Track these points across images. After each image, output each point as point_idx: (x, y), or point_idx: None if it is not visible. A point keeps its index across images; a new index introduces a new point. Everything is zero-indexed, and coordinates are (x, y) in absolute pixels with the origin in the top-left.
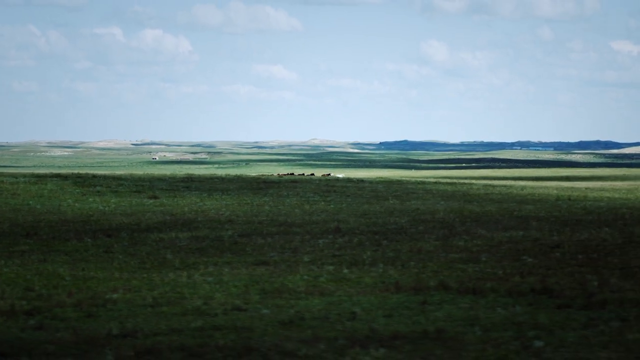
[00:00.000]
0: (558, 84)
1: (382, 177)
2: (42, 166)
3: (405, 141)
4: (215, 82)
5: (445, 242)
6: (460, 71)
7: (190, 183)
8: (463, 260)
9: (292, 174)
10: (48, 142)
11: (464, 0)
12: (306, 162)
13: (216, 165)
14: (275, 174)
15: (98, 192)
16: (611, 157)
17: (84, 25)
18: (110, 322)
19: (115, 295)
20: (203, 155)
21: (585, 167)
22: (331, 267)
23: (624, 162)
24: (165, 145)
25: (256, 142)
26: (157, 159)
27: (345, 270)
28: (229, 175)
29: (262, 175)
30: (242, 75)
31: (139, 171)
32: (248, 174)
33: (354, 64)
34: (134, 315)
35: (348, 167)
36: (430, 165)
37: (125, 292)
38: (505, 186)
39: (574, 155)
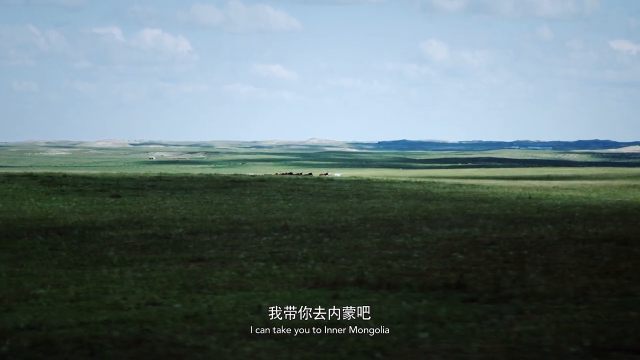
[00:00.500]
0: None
1: (356, 177)
2: (38, 166)
3: (404, 141)
4: (215, 82)
5: (385, 239)
6: (460, 71)
7: (157, 182)
8: (394, 257)
9: (291, 173)
10: (47, 142)
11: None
12: (302, 161)
13: (212, 165)
14: (274, 174)
15: (63, 191)
16: (609, 156)
17: (84, 25)
18: (24, 316)
19: (41, 291)
20: (200, 155)
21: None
22: (262, 264)
23: (620, 161)
24: (164, 145)
25: (255, 142)
26: (154, 158)
27: (275, 267)
28: (202, 174)
29: (237, 175)
30: (242, 75)
31: (131, 171)
32: (243, 173)
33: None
34: (50, 309)
35: (344, 167)
36: (426, 164)
37: (52, 287)
38: (472, 185)
39: (571, 155)
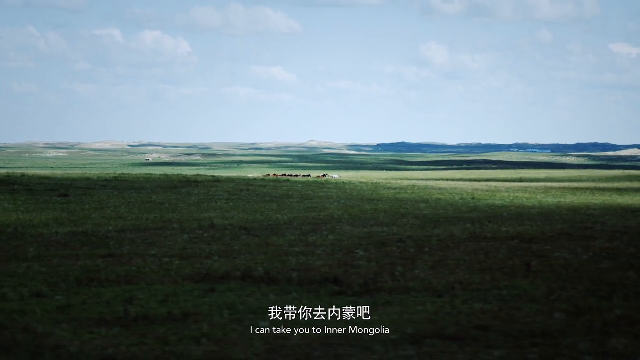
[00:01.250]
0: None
1: (315, 179)
2: (33, 167)
3: (403, 143)
4: (215, 84)
5: (301, 237)
6: (459, 73)
7: (111, 183)
8: (297, 254)
9: (291, 175)
10: (46, 144)
11: (463, 3)
12: (298, 163)
13: (207, 167)
14: (271, 175)
15: (14, 190)
16: (605, 159)
17: (84, 27)
18: None
19: None
20: (197, 157)
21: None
22: (167, 259)
23: (614, 164)
24: (162, 146)
25: (254, 144)
26: (151, 160)
27: (177, 262)
28: (165, 174)
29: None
30: (242, 77)
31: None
32: (237, 175)
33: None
34: None
35: (339, 169)
36: (421, 167)
37: None
38: (427, 187)
39: (568, 158)
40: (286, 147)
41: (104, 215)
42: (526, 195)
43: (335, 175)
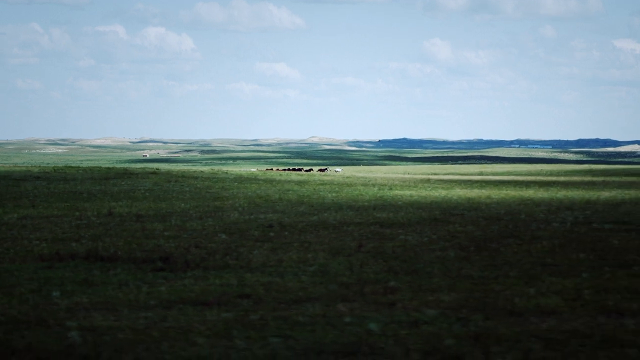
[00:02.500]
0: (561, 82)
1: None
2: (28, 163)
3: (405, 139)
4: (219, 80)
5: (182, 224)
6: (463, 69)
7: (47, 174)
8: (161, 237)
9: (293, 169)
10: (48, 140)
11: None
12: (294, 159)
13: (203, 162)
14: (274, 170)
15: None
16: (603, 155)
17: (87, 23)
18: None
19: None
20: (194, 153)
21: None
22: (37, 242)
23: (612, 160)
24: (163, 143)
25: (255, 140)
26: (148, 156)
27: (44, 245)
28: (115, 168)
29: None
30: (246, 73)
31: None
32: (231, 170)
33: (357, 62)
34: None
35: (335, 165)
36: (416, 162)
37: None
38: (352, 179)
39: (566, 154)
40: (287, 143)
41: (18, 204)
42: (443, 187)
43: (338, 169)
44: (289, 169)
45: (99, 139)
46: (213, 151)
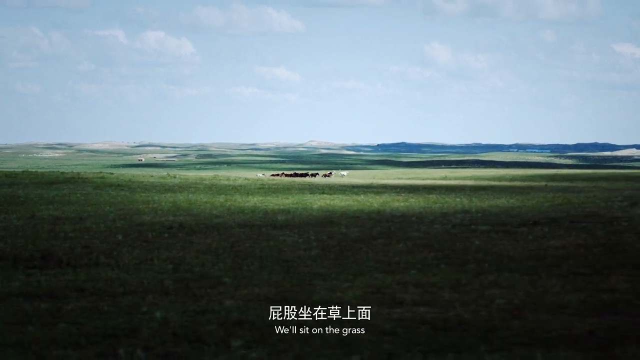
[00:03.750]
0: (561, 86)
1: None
2: (21, 167)
3: (403, 143)
4: (219, 84)
5: (87, 225)
6: (463, 73)
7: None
8: (67, 238)
9: (303, 174)
10: (46, 144)
11: (466, 2)
12: (287, 164)
13: (198, 167)
14: (281, 174)
15: None
16: (599, 159)
17: (87, 27)
18: None
19: None
20: (190, 158)
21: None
22: None
23: (608, 164)
24: (161, 147)
25: (253, 144)
26: (143, 160)
27: None
28: (68, 173)
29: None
30: (246, 77)
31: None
32: (223, 174)
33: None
34: None
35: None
36: (407, 167)
37: None
38: (308, 183)
39: (563, 159)
40: (285, 147)
41: None
42: (377, 191)
43: (343, 173)
44: (294, 174)
45: (97, 143)
46: (209, 155)
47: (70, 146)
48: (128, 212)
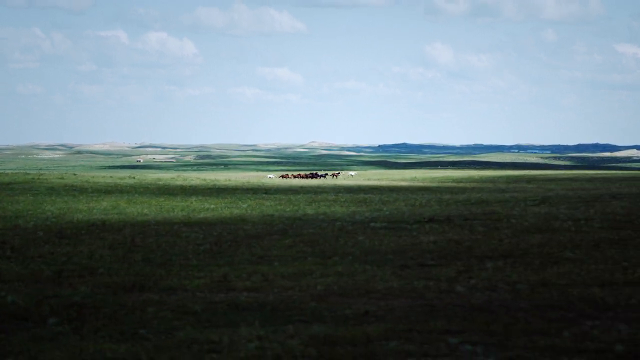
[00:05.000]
0: (562, 86)
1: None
2: (22, 168)
3: (404, 144)
4: (220, 85)
5: (11, 222)
6: (464, 73)
7: None
8: None
9: (303, 174)
10: (47, 145)
11: (467, 3)
12: (283, 166)
13: (195, 168)
14: (289, 175)
15: None
16: (598, 160)
17: (88, 28)
18: None
19: None
20: (188, 158)
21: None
22: None
23: (606, 165)
24: (162, 148)
25: (254, 145)
26: (142, 161)
27: None
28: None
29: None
30: (247, 77)
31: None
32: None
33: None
34: None
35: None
36: (404, 168)
37: None
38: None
39: (561, 160)
40: (285, 148)
41: None
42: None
43: (351, 173)
44: (299, 175)
45: (98, 144)
46: (209, 156)
47: (71, 147)
48: (67, 212)
